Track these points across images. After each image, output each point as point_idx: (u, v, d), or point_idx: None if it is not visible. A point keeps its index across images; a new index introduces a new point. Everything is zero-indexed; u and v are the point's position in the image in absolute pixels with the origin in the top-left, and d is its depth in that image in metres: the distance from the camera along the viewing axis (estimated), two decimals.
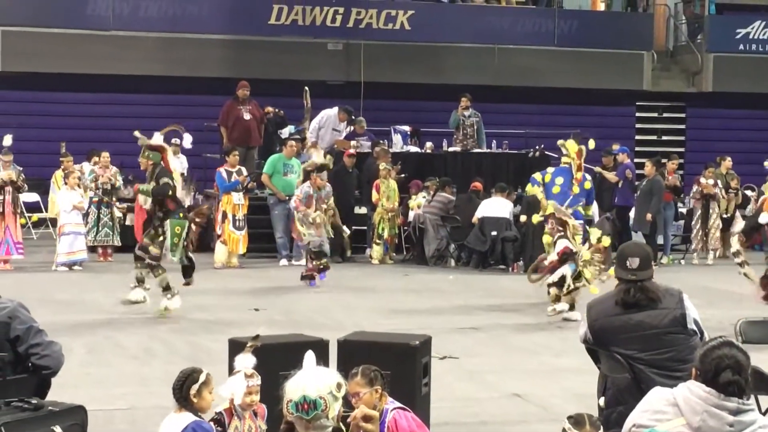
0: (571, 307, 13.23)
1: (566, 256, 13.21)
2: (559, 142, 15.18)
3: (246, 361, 5.85)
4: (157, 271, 13.17)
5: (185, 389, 5.64)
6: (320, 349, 7.24)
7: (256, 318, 12.72)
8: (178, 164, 21.78)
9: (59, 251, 17.64)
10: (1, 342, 5.89)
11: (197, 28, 24.73)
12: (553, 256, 13.35)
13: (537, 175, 14.92)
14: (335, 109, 21.09)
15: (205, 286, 15.93)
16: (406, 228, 20.09)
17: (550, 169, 15.18)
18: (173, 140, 21.88)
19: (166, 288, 13.13)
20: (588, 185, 15.01)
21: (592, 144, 15.64)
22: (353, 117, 21.57)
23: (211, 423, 5.75)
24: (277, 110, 21.12)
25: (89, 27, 24.24)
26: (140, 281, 13.37)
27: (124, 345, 11.36)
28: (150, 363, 10.46)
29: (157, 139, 13.24)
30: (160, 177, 13.01)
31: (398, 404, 5.71)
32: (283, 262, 18.65)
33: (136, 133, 13.33)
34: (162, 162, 13.16)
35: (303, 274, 15.81)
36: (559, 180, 14.54)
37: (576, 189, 14.57)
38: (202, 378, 5.70)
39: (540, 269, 13.63)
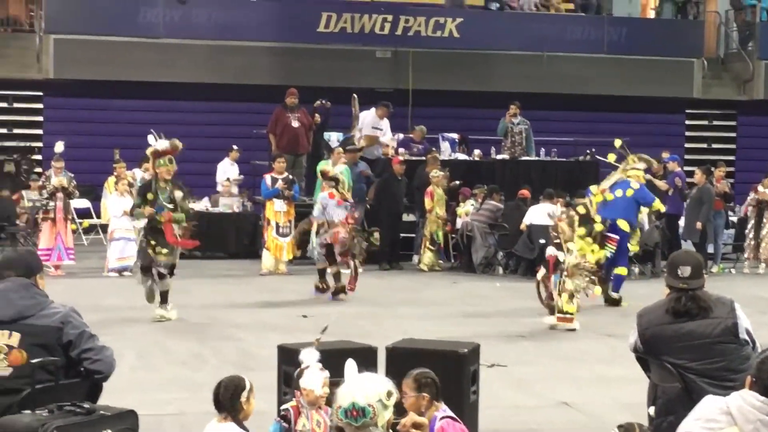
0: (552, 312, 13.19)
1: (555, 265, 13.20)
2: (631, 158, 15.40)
3: (312, 355, 5.88)
4: (165, 279, 13.38)
5: (235, 398, 5.66)
6: (369, 356, 7.26)
7: (305, 324, 12.75)
8: (235, 171, 22.20)
9: (110, 257, 17.78)
10: (54, 347, 5.94)
11: (246, 36, 24.88)
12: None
13: (593, 188, 15.13)
14: (372, 110, 21.05)
15: (253, 292, 16.05)
16: (453, 236, 20.06)
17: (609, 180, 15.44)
18: (233, 146, 22.15)
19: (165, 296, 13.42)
20: (629, 192, 15.13)
21: (617, 143, 15.72)
22: (392, 109, 21.47)
23: (279, 419, 5.79)
24: (323, 101, 21.05)
25: (140, 35, 24.46)
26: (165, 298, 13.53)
27: (174, 350, 11.43)
28: (199, 368, 10.50)
29: (165, 144, 13.32)
30: (184, 197, 13.42)
31: (449, 413, 5.70)
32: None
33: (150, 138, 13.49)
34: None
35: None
36: (606, 187, 15.05)
37: (609, 196, 14.94)
38: (248, 385, 5.73)
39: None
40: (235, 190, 22.09)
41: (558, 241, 13.19)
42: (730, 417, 4.21)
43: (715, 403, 4.34)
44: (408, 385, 5.63)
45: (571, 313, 13.02)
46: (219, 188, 21.99)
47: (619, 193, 15.10)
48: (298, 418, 5.82)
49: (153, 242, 13.24)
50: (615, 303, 15.12)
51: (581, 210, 14.21)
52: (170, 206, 13.27)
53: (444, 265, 19.86)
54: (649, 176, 20.25)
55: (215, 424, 5.69)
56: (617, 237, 14.82)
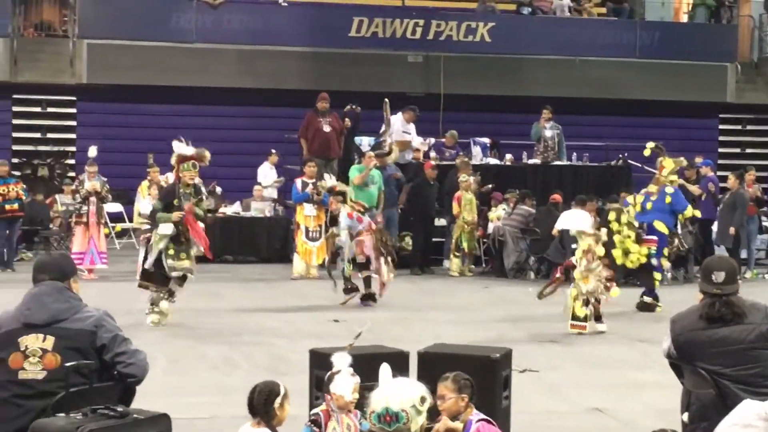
0: (597, 319, 13.18)
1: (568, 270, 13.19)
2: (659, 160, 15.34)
3: (344, 359, 5.89)
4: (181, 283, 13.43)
5: (269, 403, 5.66)
6: (400, 360, 7.25)
7: (336, 329, 12.77)
8: (273, 175, 22.24)
9: (142, 261, 17.83)
10: (88, 350, 5.96)
11: (278, 41, 24.96)
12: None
13: (630, 198, 15.22)
14: (398, 115, 21.04)
15: (284, 297, 16.08)
16: (485, 240, 20.03)
17: (644, 190, 15.44)
18: (272, 150, 22.18)
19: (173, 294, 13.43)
20: (668, 199, 15.06)
21: (647, 152, 15.70)
22: (418, 114, 21.43)
23: (309, 423, 5.80)
24: (353, 106, 21.05)
25: (172, 40, 24.60)
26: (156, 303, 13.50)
27: (206, 355, 11.46)
28: (231, 373, 10.53)
29: (191, 150, 13.25)
30: (202, 198, 13.44)
31: (483, 416, 5.74)
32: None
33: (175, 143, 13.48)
34: None
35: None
36: (639, 198, 15.10)
37: (648, 205, 14.91)
38: (282, 390, 5.73)
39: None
40: (273, 193, 22.13)
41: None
42: None
43: (753, 408, 4.32)
44: (447, 387, 5.66)
45: (584, 319, 12.97)
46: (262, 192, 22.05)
47: (654, 198, 15.09)
48: (328, 421, 5.84)
49: (172, 251, 13.20)
50: (648, 308, 15.07)
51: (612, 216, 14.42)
52: (199, 211, 13.34)
53: (475, 270, 19.84)
54: (681, 181, 20.26)
55: (248, 429, 5.69)
56: (656, 238, 14.83)
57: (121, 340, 6.07)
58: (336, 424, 5.81)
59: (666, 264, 15.45)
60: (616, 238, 14.88)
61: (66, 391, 5.85)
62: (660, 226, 14.98)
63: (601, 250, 13.09)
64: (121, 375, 6.06)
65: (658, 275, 15.29)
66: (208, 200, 15.70)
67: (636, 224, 14.88)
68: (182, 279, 13.36)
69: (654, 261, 14.96)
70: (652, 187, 15.21)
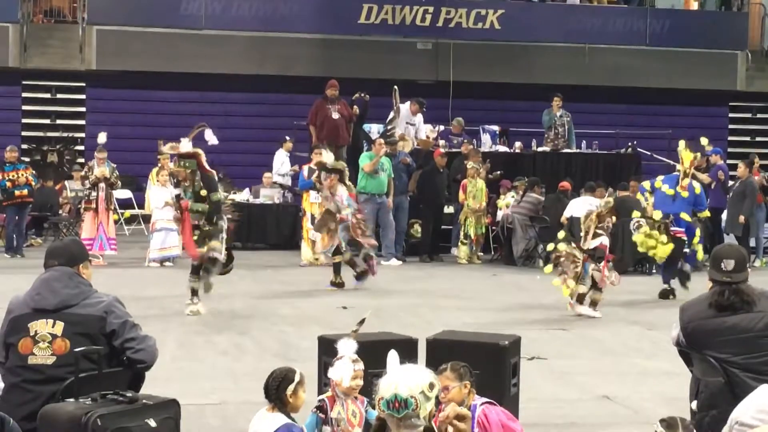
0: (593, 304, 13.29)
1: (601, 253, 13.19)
2: (680, 148, 15.23)
3: (349, 345, 5.90)
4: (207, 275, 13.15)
5: (281, 390, 5.68)
6: (409, 347, 7.25)
7: (345, 316, 12.77)
8: (288, 162, 22.20)
9: (152, 247, 17.88)
10: (97, 336, 5.98)
11: (288, 28, 24.96)
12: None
13: (646, 183, 15.19)
14: (406, 104, 20.99)
15: (293, 283, 16.09)
16: (494, 228, 20.02)
17: (660, 177, 15.32)
18: (287, 137, 22.12)
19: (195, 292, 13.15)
20: (698, 190, 14.98)
21: (705, 141, 15.64)
22: (425, 108, 21.40)
23: (315, 410, 5.83)
24: (362, 94, 20.98)
25: (182, 26, 24.62)
26: (195, 293, 13.19)
27: (215, 341, 11.48)
28: (240, 359, 10.55)
29: (187, 146, 12.82)
30: (210, 189, 12.79)
31: (486, 399, 5.77)
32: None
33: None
34: (199, 168, 12.79)
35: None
36: (665, 187, 14.84)
37: (684, 193, 14.77)
38: (297, 378, 5.74)
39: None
40: (288, 181, 22.08)
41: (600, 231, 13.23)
42: None
43: None
44: (448, 378, 5.66)
45: (570, 296, 13.12)
46: (276, 178, 21.99)
47: (684, 194, 14.92)
48: (333, 406, 5.86)
49: (196, 236, 13.07)
50: (668, 295, 15.02)
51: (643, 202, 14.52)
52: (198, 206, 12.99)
53: (484, 258, 19.83)
54: (692, 170, 20.16)
55: (264, 413, 5.73)
56: (683, 229, 14.77)
57: (130, 326, 6.08)
58: (341, 409, 5.84)
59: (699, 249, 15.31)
60: (641, 235, 14.79)
61: (75, 376, 5.87)
62: (687, 217, 14.92)
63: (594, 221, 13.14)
64: (131, 361, 6.07)
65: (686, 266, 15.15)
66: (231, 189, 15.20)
67: (654, 215, 14.73)
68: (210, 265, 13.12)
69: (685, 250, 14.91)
70: (685, 181, 15.06)
